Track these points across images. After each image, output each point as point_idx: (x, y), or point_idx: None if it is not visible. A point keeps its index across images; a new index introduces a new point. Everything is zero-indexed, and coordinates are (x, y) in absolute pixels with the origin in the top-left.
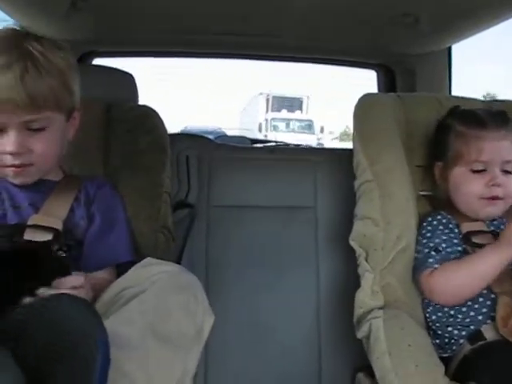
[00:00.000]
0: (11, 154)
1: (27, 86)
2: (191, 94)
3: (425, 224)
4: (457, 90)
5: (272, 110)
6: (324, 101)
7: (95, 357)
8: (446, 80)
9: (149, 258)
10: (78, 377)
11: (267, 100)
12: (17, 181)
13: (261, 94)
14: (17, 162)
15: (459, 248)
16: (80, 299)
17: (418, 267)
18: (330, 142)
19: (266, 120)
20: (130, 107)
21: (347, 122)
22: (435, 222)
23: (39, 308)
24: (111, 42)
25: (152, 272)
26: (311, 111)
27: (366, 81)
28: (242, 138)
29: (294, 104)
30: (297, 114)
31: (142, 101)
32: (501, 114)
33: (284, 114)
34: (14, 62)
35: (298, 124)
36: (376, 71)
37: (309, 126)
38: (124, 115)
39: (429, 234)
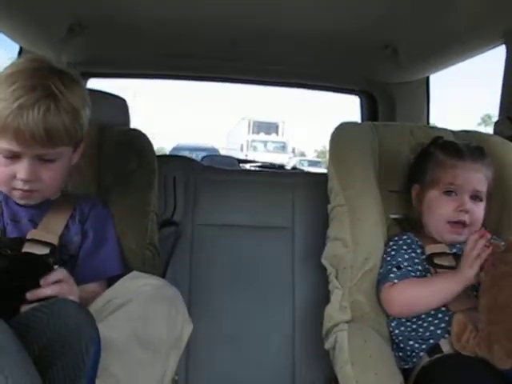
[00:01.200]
0: (22, 180)
1: (47, 124)
2: (183, 113)
3: (391, 243)
4: (453, 113)
5: (253, 133)
6: (298, 124)
7: (89, 352)
8: (425, 108)
9: (134, 271)
10: (74, 368)
11: (249, 124)
12: (21, 202)
13: (243, 118)
14: (26, 188)
15: (420, 267)
16: (77, 304)
17: (380, 281)
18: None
19: (247, 141)
20: (121, 130)
21: (319, 143)
22: (400, 242)
23: (43, 312)
24: (106, 63)
25: (137, 284)
26: (286, 134)
27: (338, 106)
28: (231, 159)
29: (270, 128)
30: (273, 137)
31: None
32: (479, 149)
33: (262, 136)
34: (39, 101)
35: (273, 145)
36: (359, 97)
37: (282, 147)
38: (116, 138)
39: (393, 253)
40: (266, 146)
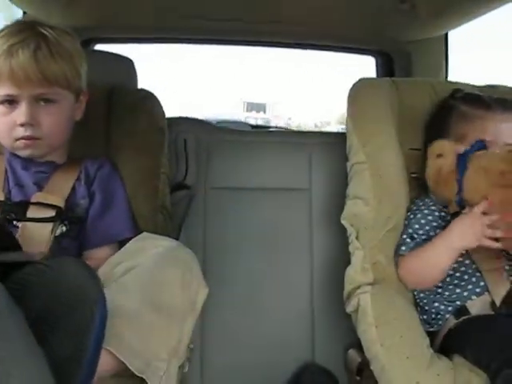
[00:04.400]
0: (22, 125)
1: (40, 61)
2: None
3: (412, 206)
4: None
5: (246, 111)
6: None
7: (94, 316)
8: (443, 66)
9: (145, 232)
10: (75, 335)
11: (244, 104)
12: (26, 153)
13: (241, 99)
14: (27, 134)
15: (440, 231)
16: (81, 262)
17: (395, 252)
18: None
19: (244, 117)
20: (129, 91)
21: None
22: (421, 205)
23: (42, 268)
24: (111, 28)
25: (148, 246)
26: (271, 112)
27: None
28: (244, 124)
29: (260, 107)
30: (261, 114)
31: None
32: (503, 99)
33: (254, 114)
34: (28, 39)
35: (261, 121)
36: (374, 57)
37: (267, 122)
38: (124, 98)
39: (411, 217)
40: (256, 121)
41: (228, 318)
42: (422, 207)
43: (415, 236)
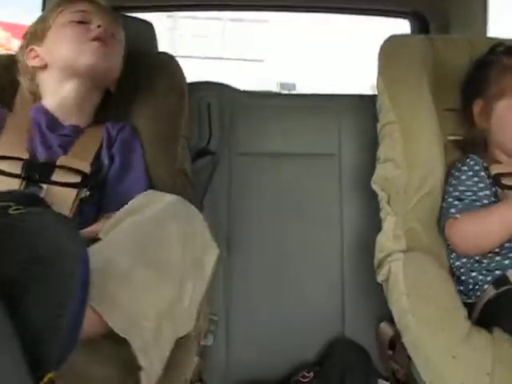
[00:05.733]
0: (99, 25)
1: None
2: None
3: (452, 171)
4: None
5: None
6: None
7: (75, 273)
8: (483, 25)
9: (150, 190)
10: (57, 294)
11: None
12: (95, 56)
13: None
14: (103, 33)
15: (487, 192)
16: (61, 215)
17: (443, 216)
18: None
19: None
20: (149, 54)
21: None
22: (463, 168)
23: (16, 226)
24: None
25: (152, 201)
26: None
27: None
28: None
29: (290, 86)
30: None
31: None
32: None
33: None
34: None
35: None
36: (409, 20)
37: None
38: (143, 61)
39: (455, 182)
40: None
41: (255, 290)
42: (465, 168)
43: (463, 197)
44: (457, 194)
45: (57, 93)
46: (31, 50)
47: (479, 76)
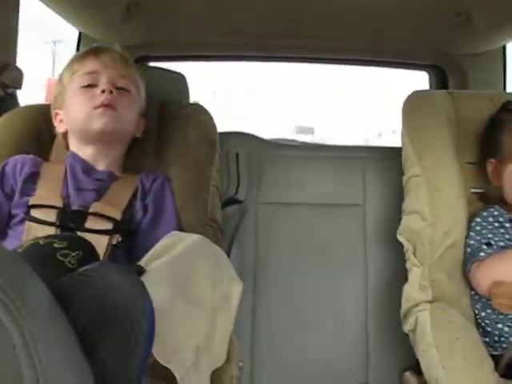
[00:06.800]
0: (104, 89)
1: (118, 59)
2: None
3: (477, 219)
4: None
5: (297, 133)
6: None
7: (142, 327)
8: (501, 81)
9: (174, 231)
10: (123, 348)
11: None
12: (102, 121)
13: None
14: (108, 99)
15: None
16: (124, 269)
17: (468, 260)
18: None
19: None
20: (181, 105)
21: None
22: (489, 217)
23: (84, 279)
24: (164, 46)
25: (177, 241)
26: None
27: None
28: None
29: (308, 130)
30: (309, 137)
31: None
32: None
33: (302, 136)
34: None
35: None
36: (428, 73)
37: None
38: (176, 112)
39: (479, 228)
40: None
41: (278, 336)
42: (491, 219)
43: (492, 243)
44: (484, 240)
45: (82, 151)
46: (56, 114)
47: (491, 136)
